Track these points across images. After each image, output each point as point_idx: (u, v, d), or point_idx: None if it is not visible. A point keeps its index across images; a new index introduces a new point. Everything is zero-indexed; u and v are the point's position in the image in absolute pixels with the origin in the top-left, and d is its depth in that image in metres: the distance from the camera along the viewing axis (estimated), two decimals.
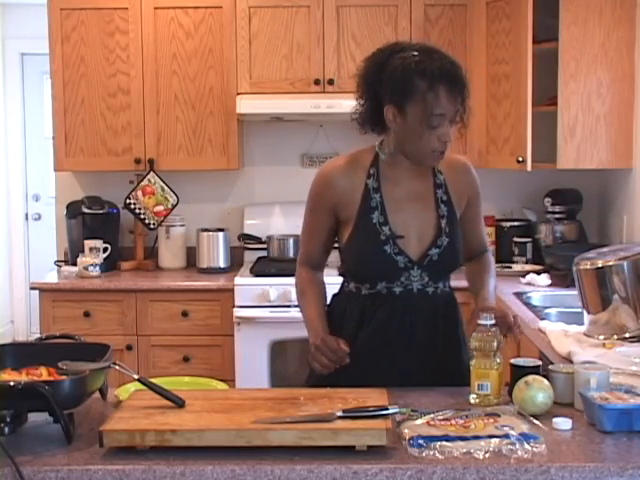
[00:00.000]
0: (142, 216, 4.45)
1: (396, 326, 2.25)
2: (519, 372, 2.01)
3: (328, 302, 2.40)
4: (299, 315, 3.96)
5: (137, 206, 4.44)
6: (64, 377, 1.85)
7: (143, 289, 4.11)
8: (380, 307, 2.26)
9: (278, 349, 3.99)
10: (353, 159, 2.31)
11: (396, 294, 2.25)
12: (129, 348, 4.08)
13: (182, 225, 4.55)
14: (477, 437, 1.72)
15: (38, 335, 2.57)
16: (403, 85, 2.13)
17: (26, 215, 7.14)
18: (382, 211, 2.24)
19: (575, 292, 2.77)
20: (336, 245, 2.40)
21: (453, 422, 1.81)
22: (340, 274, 2.40)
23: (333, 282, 2.53)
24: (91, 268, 4.23)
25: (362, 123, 2.28)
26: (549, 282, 3.82)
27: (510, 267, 4.27)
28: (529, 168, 3.95)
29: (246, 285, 4.07)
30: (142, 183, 4.42)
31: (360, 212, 2.25)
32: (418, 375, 2.23)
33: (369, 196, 2.25)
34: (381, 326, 2.25)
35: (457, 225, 2.30)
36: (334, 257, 4.62)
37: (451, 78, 2.13)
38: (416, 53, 2.15)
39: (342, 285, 2.38)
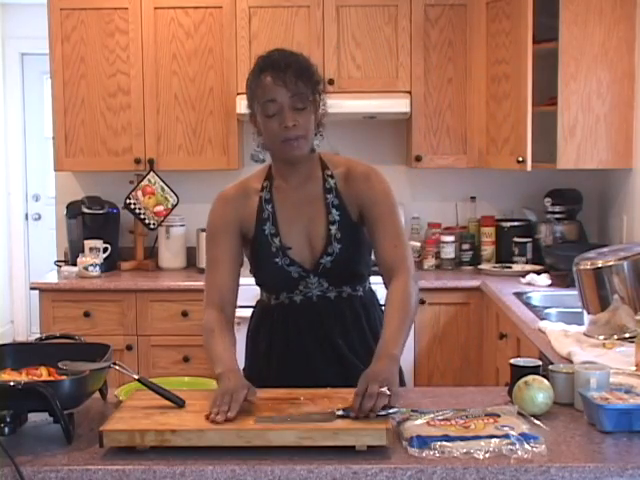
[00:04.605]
0: (142, 216, 4.45)
1: (305, 333, 2.27)
2: (519, 372, 2.01)
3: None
4: None
5: (137, 206, 4.44)
6: (64, 377, 1.86)
7: (143, 289, 4.11)
8: (286, 316, 2.30)
9: None
10: (247, 177, 2.37)
11: (297, 303, 2.28)
12: (129, 348, 4.08)
13: (182, 225, 4.55)
14: (477, 437, 1.72)
15: (38, 335, 2.57)
16: (247, 90, 2.27)
17: (26, 215, 7.15)
18: (274, 222, 2.25)
19: (575, 292, 2.77)
20: None
21: (453, 422, 1.81)
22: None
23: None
24: (91, 268, 4.23)
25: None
26: (549, 282, 3.81)
27: (510, 267, 4.27)
28: (529, 168, 3.95)
29: (246, 285, 4.03)
30: (142, 183, 4.42)
31: (255, 225, 2.27)
32: (335, 378, 2.17)
33: (262, 208, 2.27)
34: (289, 334, 2.29)
35: (356, 230, 2.23)
36: None
37: (274, 65, 2.17)
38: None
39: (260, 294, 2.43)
